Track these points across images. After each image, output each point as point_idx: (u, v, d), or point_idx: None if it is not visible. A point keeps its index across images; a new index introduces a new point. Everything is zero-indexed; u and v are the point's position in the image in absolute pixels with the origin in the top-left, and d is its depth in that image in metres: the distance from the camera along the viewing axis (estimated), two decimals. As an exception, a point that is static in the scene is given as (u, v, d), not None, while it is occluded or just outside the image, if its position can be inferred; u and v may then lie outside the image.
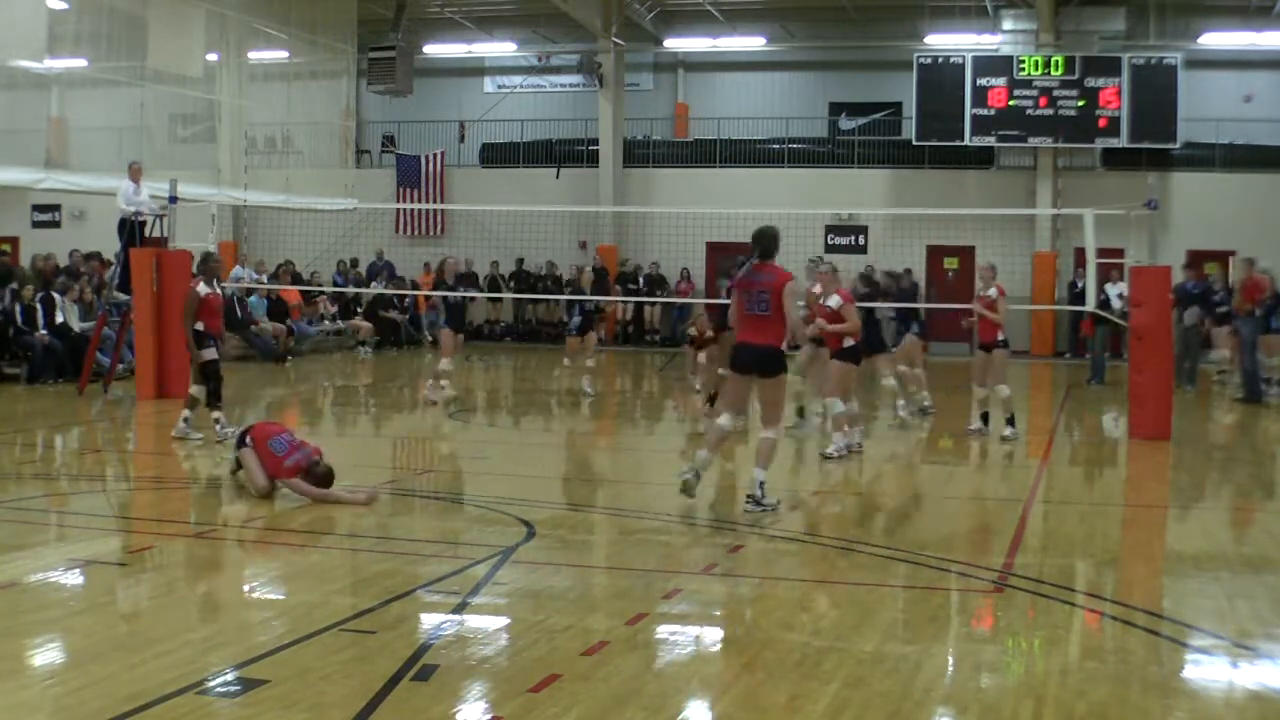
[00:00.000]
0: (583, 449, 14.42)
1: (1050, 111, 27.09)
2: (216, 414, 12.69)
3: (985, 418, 14.12)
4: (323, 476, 9.55)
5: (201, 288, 12.70)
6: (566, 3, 27.37)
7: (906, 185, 28.23)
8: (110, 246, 19.13)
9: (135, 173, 17.44)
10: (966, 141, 27.65)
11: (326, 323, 25.86)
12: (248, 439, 9.78)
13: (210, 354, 12.69)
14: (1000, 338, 13.82)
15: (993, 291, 13.79)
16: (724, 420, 9.77)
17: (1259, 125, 27.30)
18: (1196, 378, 19.65)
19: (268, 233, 29.06)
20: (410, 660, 5.76)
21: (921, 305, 26.64)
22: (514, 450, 13.98)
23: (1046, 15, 26.77)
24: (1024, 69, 27.20)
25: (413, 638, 6.26)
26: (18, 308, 18.20)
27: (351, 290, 26.62)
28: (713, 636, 6.49)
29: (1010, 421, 13.90)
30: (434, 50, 31.78)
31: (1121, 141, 26.93)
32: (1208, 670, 6.09)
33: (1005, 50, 27.75)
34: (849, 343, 12.35)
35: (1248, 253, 21.01)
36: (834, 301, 12.26)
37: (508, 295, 28.48)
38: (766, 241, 9.55)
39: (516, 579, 7.48)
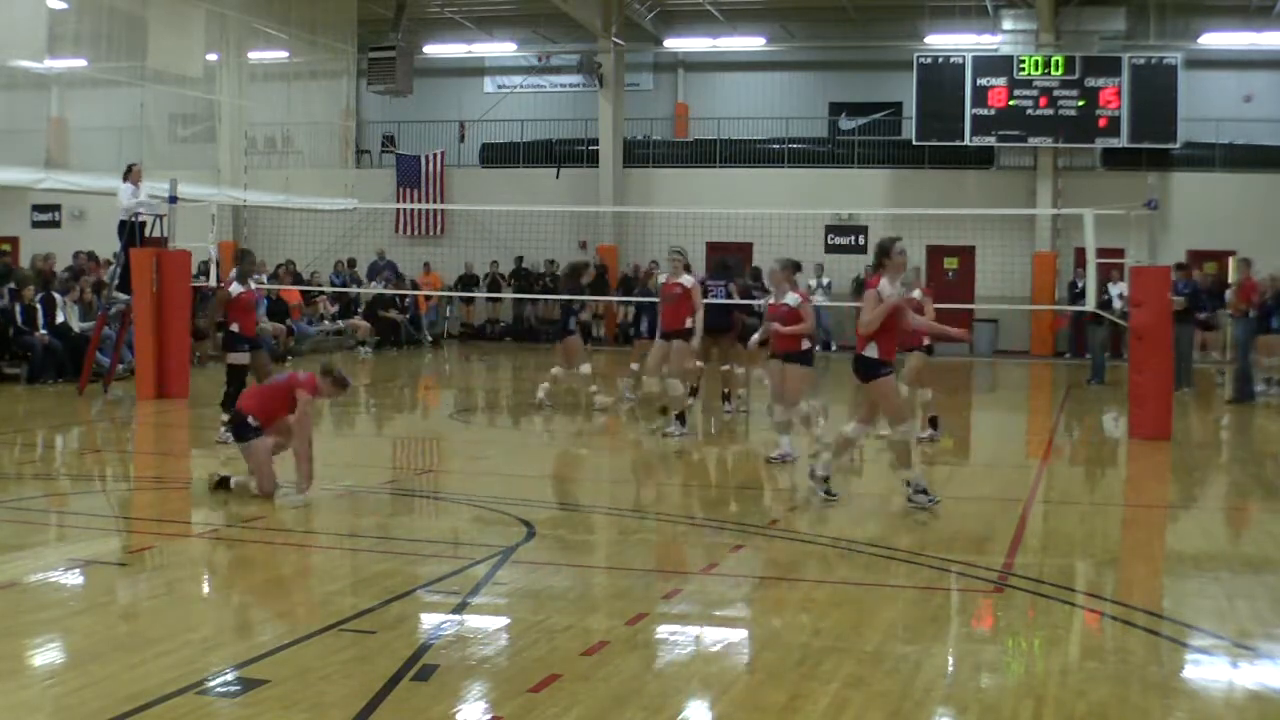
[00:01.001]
0: (582, 449, 14.40)
1: (1050, 111, 27.09)
2: (227, 417, 12.65)
3: (934, 421, 13.56)
4: (341, 378, 9.77)
5: (235, 287, 12.68)
6: (566, 3, 27.37)
7: (906, 185, 28.21)
8: (109, 246, 19.13)
9: (135, 175, 17.44)
10: (966, 141, 27.65)
11: (326, 323, 25.85)
12: (250, 419, 9.65)
13: (241, 358, 12.63)
14: (925, 343, 13.27)
15: (916, 293, 12.95)
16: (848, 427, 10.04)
17: (1259, 125, 27.30)
18: (1193, 379, 19.62)
19: (268, 233, 29.02)
20: (410, 660, 5.76)
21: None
22: (514, 450, 13.97)
23: (1046, 15, 26.77)
24: (1024, 69, 27.20)
25: (413, 638, 6.26)
26: (18, 308, 18.19)
27: (354, 290, 26.61)
28: (713, 636, 6.48)
29: (933, 423, 13.49)
30: (434, 50, 31.77)
31: (1121, 141, 26.93)
32: (1208, 670, 6.09)
33: (1005, 50, 27.74)
34: (807, 345, 11.83)
35: (1248, 253, 21.03)
36: (792, 299, 11.63)
37: (508, 295, 28.48)
38: (877, 253, 9.81)
39: (516, 579, 7.48)
